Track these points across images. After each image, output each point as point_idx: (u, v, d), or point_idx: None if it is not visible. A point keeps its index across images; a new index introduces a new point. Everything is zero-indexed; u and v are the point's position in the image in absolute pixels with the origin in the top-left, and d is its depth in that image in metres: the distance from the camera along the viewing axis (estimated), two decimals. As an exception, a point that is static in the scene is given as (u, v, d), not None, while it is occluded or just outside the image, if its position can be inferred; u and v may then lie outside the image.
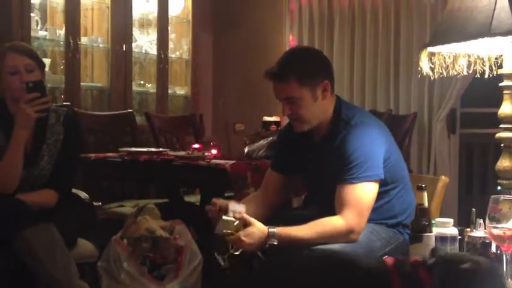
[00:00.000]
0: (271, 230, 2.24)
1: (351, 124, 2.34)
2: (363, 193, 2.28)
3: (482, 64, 2.67)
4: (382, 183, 2.34)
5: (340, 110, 2.40)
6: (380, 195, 2.34)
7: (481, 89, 4.22)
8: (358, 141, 2.29)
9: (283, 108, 2.39)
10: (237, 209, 2.26)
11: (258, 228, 2.24)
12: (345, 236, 2.25)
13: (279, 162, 2.59)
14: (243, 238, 2.22)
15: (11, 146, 2.56)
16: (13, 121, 2.60)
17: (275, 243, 2.24)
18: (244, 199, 2.61)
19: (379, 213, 2.37)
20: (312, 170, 2.47)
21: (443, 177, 2.71)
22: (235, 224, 2.24)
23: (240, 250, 2.27)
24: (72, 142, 2.78)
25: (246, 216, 2.26)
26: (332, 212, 2.30)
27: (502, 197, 2.01)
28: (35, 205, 2.54)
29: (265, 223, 2.31)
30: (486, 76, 2.67)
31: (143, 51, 5.04)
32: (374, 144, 2.31)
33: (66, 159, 2.73)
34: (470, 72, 2.71)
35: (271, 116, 4.03)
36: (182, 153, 3.45)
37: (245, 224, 2.25)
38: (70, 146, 2.76)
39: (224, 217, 2.24)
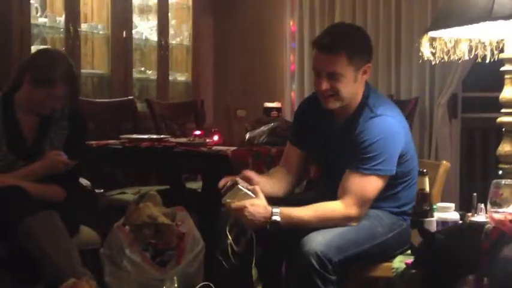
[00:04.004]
0: (274, 209, 2.24)
1: (375, 113, 2.30)
2: (370, 185, 2.27)
3: (484, 48, 2.66)
4: (393, 177, 2.32)
5: (368, 97, 2.36)
6: (388, 186, 2.32)
7: (482, 74, 4.20)
8: (379, 133, 2.26)
9: (320, 82, 2.29)
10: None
11: (263, 203, 2.25)
12: (343, 222, 2.27)
13: (297, 136, 2.54)
14: (248, 206, 2.21)
15: (23, 173, 2.59)
16: (19, 125, 2.64)
17: (278, 219, 2.22)
18: (270, 172, 2.59)
19: (384, 203, 2.37)
20: (328, 151, 2.43)
21: (444, 162, 2.71)
22: (242, 193, 2.25)
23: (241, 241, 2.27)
24: (78, 138, 2.77)
25: (257, 188, 2.25)
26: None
27: (503, 181, 2.01)
28: (41, 197, 2.54)
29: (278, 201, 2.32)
30: (487, 61, 2.66)
31: (143, 37, 5.03)
32: (394, 140, 2.29)
33: (72, 156, 2.68)
34: (472, 56, 2.70)
35: (273, 102, 4.03)
36: (183, 139, 3.45)
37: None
38: (76, 143, 2.74)
39: (239, 186, 2.25)
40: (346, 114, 2.38)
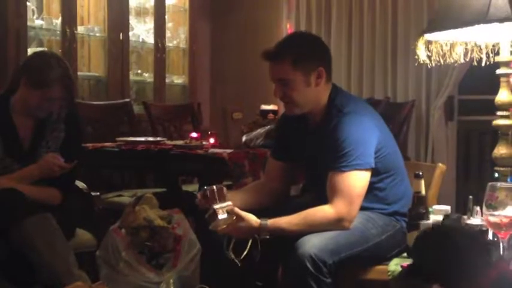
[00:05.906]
0: (263, 222, 2.26)
1: (343, 112, 2.33)
2: (353, 181, 2.27)
3: (479, 51, 2.66)
4: (375, 173, 2.33)
5: (334, 98, 2.39)
6: (372, 184, 2.34)
7: (478, 77, 4.22)
8: (349, 130, 2.28)
9: (275, 90, 2.39)
10: (223, 205, 2.28)
11: (249, 221, 2.26)
12: (336, 224, 2.26)
13: (279, 150, 2.59)
14: (233, 232, 2.27)
15: (19, 176, 2.58)
16: (15, 128, 2.63)
17: (267, 237, 2.26)
18: (246, 186, 2.63)
19: (372, 202, 2.37)
20: (308, 157, 2.47)
21: (440, 164, 2.72)
22: (226, 219, 2.26)
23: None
24: (74, 141, 2.76)
25: (236, 210, 2.27)
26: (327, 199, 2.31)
27: (499, 184, 2.01)
28: (37, 200, 2.53)
29: (265, 211, 2.32)
30: (483, 64, 2.66)
31: (140, 40, 5.03)
32: (365, 133, 2.31)
33: (68, 158, 2.66)
34: (467, 60, 2.71)
35: (269, 104, 4.03)
36: (180, 142, 3.45)
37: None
38: (72, 145, 2.73)
39: (219, 216, 2.27)
40: (317, 118, 2.42)
